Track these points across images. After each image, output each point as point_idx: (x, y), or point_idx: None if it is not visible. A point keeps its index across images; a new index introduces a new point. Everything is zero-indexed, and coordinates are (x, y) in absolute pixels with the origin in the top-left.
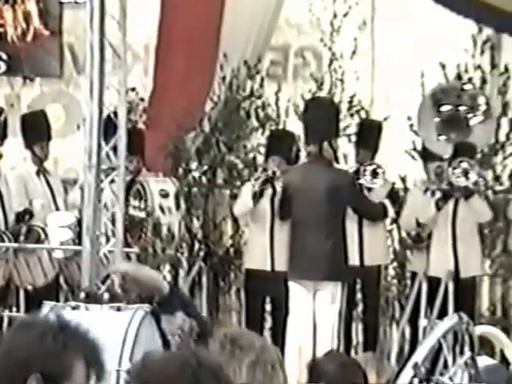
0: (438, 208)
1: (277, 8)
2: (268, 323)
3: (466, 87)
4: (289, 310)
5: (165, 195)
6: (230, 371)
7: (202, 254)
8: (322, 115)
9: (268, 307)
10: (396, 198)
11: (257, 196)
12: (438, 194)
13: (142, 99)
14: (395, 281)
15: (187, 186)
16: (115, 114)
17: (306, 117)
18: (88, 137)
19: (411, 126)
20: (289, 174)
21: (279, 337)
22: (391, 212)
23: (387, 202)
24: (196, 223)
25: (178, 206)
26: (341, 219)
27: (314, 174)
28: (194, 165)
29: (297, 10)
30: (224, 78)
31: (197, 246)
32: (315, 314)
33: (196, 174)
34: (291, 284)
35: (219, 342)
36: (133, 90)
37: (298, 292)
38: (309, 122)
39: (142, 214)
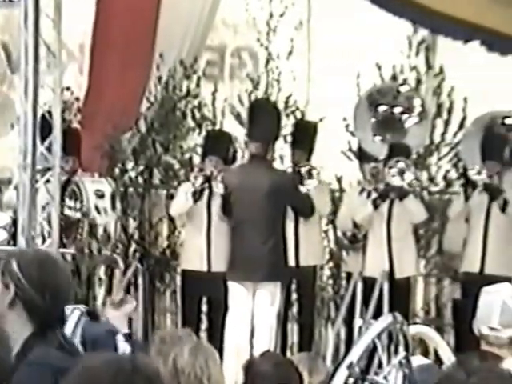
0: (374, 208)
1: (213, 8)
2: (204, 324)
3: (401, 88)
4: (226, 310)
5: (101, 196)
6: (172, 355)
7: (138, 254)
8: (266, 116)
9: (204, 308)
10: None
11: (196, 195)
12: (374, 195)
13: (77, 98)
14: (331, 281)
15: (123, 186)
16: (50, 113)
17: (251, 117)
18: (23, 136)
19: (347, 126)
20: (231, 174)
21: (216, 338)
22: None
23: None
24: (132, 224)
25: (113, 207)
26: (281, 220)
27: (256, 174)
28: (130, 165)
29: (233, 10)
30: (160, 78)
31: (133, 246)
32: (254, 315)
33: (132, 175)
34: (231, 284)
35: (159, 337)
36: (67, 89)
37: (237, 292)
38: (253, 122)
39: (78, 215)
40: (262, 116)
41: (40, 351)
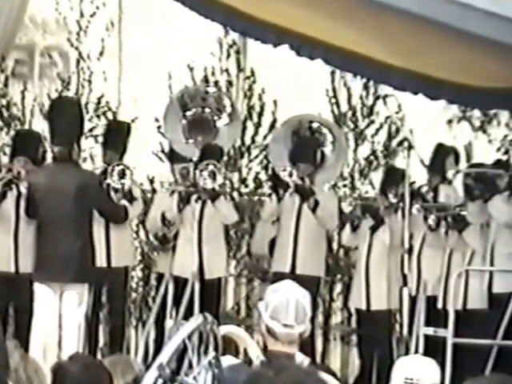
0: (184, 209)
1: (22, 5)
2: (11, 327)
3: (210, 90)
4: (33, 312)
5: None
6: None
7: None
8: (68, 115)
9: (11, 311)
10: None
11: (3, 196)
12: (184, 196)
13: None
14: (142, 282)
15: None
16: None
17: (52, 117)
18: None
19: (159, 127)
20: (35, 174)
21: (23, 340)
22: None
23: (126, 203)
24: None
25: None
26: (88, 220)
27: (61, 174)
28: None
29: (43, 9)
30: None
31: None
32: (61, 316)
33: None
34: (36, 285)
35: None
36: None
37: (43, 293)
38: (55, 122)
39: None
40: (62, 117)
41: None
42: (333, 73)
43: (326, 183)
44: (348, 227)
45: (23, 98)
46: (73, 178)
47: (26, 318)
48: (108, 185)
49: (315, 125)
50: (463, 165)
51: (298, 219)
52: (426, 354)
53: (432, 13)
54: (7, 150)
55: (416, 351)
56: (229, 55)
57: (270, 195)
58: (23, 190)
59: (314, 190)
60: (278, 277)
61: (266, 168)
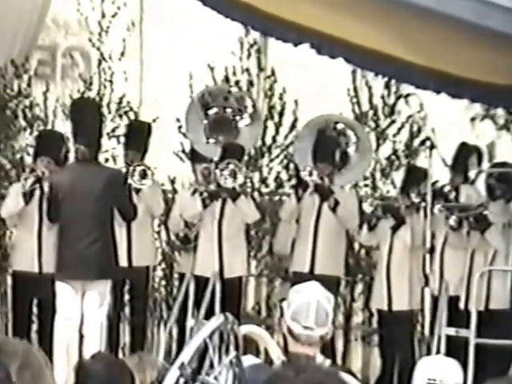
0: (204, 207)
1: (44, 7)
2: (35, 325)
3: (232, 90)
4: (55, 311)
5: None
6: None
7: None
8: (89, 115)
9: (35, 309)
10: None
11: (27, 196)
12: (206, 195)
13: None
14: (163, 282)
15: None
16: None
17: (74, 117)
18: None
19: (180, 127)
20: (58, 174)
21: (47, 339)
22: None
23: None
24: None
25: None
26: (110, 219)
27: (84, 174)
28: None
29: (64, 10)
30: None
31: None
32: (83, 315)
33: None
34: (59, 284)
35: None
36: None
37: (65, 292)
38: (77, 122)
39: None
40: (82, 116)
41: None
42: (354, 72)
43: (349, 183)
44: (365, 226)
45: (46, 98)
46: (97, 178)
47: (50, 318)
48: (129, 185)
49: (340, 126)
50: (486, 164)
51: (317, 219)
52: (448, 354)
53: (453, 10)
54: (30, 150)
55: (438, 352)
56: (249, 55)
57: (289, 195)
58: (47, 190)
59: (333, 189)
60: (298, 277)
61: (286, 168)
